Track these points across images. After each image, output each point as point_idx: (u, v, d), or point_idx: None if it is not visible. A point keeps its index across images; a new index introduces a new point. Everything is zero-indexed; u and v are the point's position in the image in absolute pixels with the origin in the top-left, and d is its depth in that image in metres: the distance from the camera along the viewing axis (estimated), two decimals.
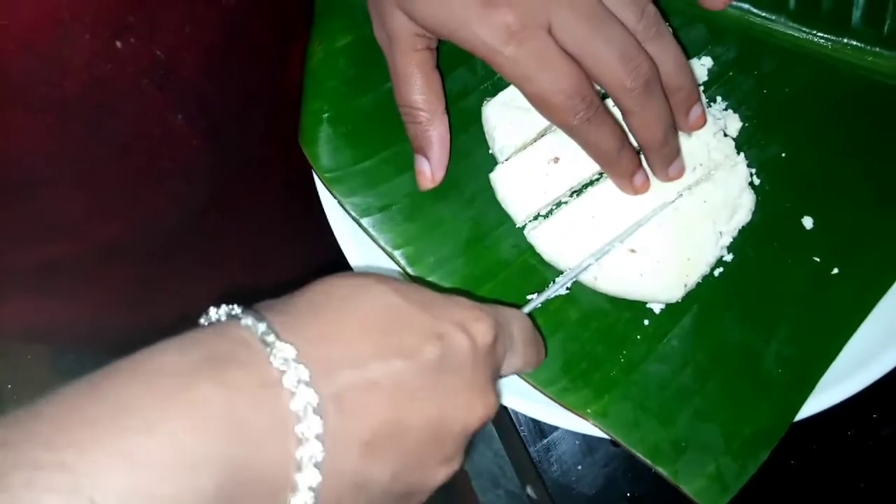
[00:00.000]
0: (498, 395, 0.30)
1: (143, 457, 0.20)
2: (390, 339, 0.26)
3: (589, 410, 0.37)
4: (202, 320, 0.26)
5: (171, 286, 0.53)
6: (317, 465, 0.23)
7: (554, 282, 0.38)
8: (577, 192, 0.39)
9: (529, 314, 0.36)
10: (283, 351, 0.24)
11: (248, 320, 0.25)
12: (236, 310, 0.26)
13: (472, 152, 0.40)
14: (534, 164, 0.39)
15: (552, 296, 0.38)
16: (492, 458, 0.69)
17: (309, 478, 0.23)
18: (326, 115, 0.40)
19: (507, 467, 0.66)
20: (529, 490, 0.55)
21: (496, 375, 0.31)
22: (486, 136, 0.40)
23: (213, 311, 0.26)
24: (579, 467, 0.47)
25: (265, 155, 0.52)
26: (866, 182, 0.40)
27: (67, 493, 0.19)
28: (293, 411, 0.23)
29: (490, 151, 0.40)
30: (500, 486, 0.69)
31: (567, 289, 0.39)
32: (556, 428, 0.46)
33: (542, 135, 0.40)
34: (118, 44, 0.34)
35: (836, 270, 0.39)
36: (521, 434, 0.48)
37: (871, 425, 0.46)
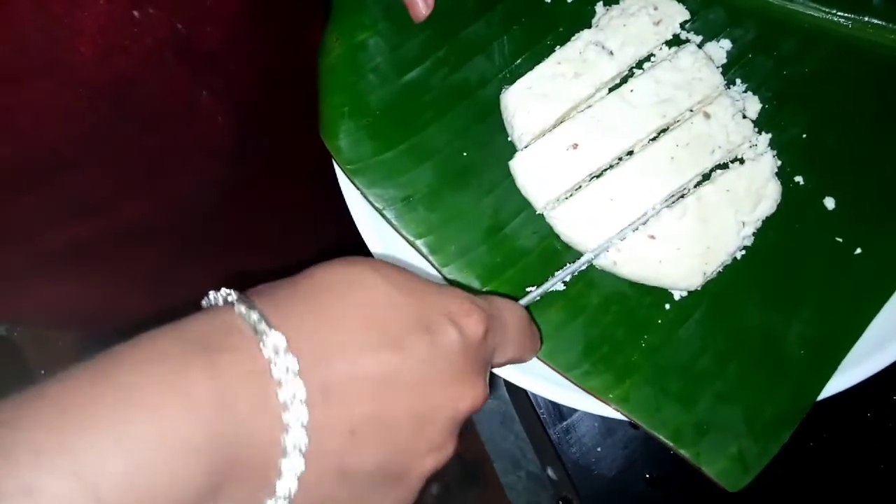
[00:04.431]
0: (486, 385, 0.30)
1: (141, 442, 0.21)
2: (380, 330, 0.27)
3: (611, 395, 0.37)
4: (203, 302, 0.27)
5: (195, 270, 0.54)
6: (301, 453, 0.24)
7: (553, 275, 0.39)
8: (597, 176, 0.40)
9: (527, 306, 0.36)
10: (274, 339, 0.24)
11: (241, 307, 0.25)
12: (232, 296, 0.26)
13: (491, 140, 0.41)
14: (553, 151, 0.39)
15: (550, 289, 0.38)
16: (512, 441, 0.70)
17: (294, 464, 0.24)
18: (346, 108, 0.40)
19: (528, 449, 0.67)
20: (550, 471, 0.55)
21: (487, 367, 0.31)
22: (506, 124, 0.41)
23: (212, 294, 0.27)
24: (599, 449, 0.48)
25: (291, 141, 0.53)
26: (888, 161, 0.40)
27: (68, 478, 0.20)
28: (281, 401, 0.24)
29: (509, 139, 0.41)
30: (520, 467, 0.70)
31: (563, 283, 0.39)
32: (576, 410, 0.47)
33: (560, 121, 0.40)
34: (136, 13, 0.35)
35: (858, 251, 0.39)
36: (541, 416, 0.48)
37: (891, 407, 0.46)
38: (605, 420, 0.47)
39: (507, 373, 0.38)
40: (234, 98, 0.43)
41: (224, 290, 0.27)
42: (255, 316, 0.25)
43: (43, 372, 1.12)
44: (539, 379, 0.38)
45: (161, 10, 0.36)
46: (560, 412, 0.48)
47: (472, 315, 0.29)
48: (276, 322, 0.25)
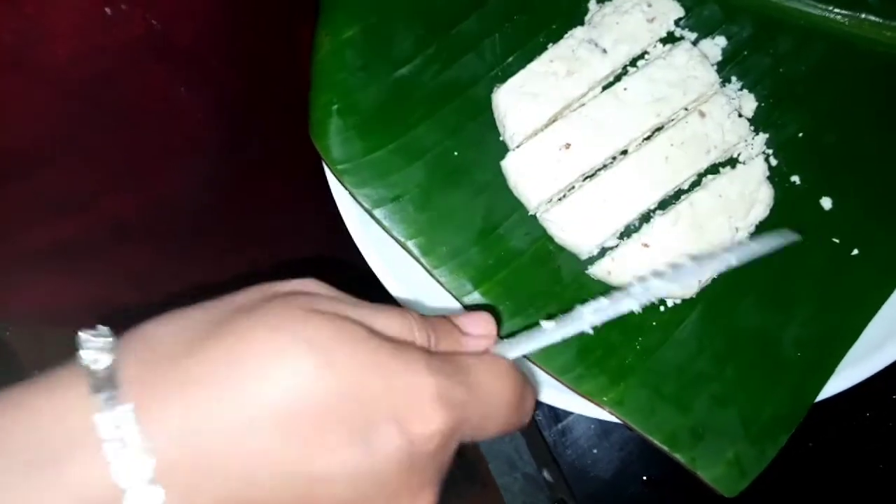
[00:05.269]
0: (436, 493, 0.25)
1: None
2: (295, 434, 0.21)
3: (605, 398, 0.36)
4: (81, 336, 0.23)
5: (187, 267, 0.53)
6: None
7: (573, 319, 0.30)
8: (590, 176, 0.39)
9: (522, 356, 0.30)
10: (135, 461, 0.20)
11: (105, 414, 0.21)
12: (102, 366, 0.21)
13: (483, 140, 0.40)
14: (545, 151, 0.38)
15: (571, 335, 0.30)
16: (508, 442, 0.70)
17: None
18: (336, 107, 0.39)
19: (524, 451, 0.67)
20: (546, 473, 0.55)
21: (440, 474, 0.25)
22: (497, 123, 0.40)
23: (89, 336, 0.22)
24: (595, 451, 0.47)
25: (284, 139, 0.52)
26: (886, 160, 0.40)
27: None
28: None
29: (501, 138, 0.40)
30: (516, 469, 0.69)
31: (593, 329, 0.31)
32: (571, 412, 0.46)
33: (553, 120, 0.39)
34: (108, 10, 0.34)
35: (855, 251, 0.39)
36: (537, 418, 0.48)
37: (890, 407, 0.46)
38: (601, 422, 0.46)
39: None
40: (215, 95, 0.42)
41: (103, 339, 0.22)
42: (121, 417, 0.20)
43: (37, 372, 1.11)
44: (533, 381, 0.38)
45: (134, 7, 0.35)
46: (556, 414, 0.48)
47: (431, 420, 0.23)
48: (146, 420, 0.20)
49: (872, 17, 0.41)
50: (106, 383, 0.21)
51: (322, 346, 0.22)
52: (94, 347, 0.22)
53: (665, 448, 0.36)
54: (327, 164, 0.39)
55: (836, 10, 0.41)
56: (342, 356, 0.22)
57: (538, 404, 0.47)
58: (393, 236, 0.39)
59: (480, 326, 0.29)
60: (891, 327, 0.38)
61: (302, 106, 0.40)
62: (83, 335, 0.23)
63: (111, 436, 0.20)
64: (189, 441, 0.21)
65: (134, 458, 0.20)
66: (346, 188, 0.39)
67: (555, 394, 0.38)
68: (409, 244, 0.39)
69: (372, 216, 0.39)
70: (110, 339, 0.22)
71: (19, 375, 0.24)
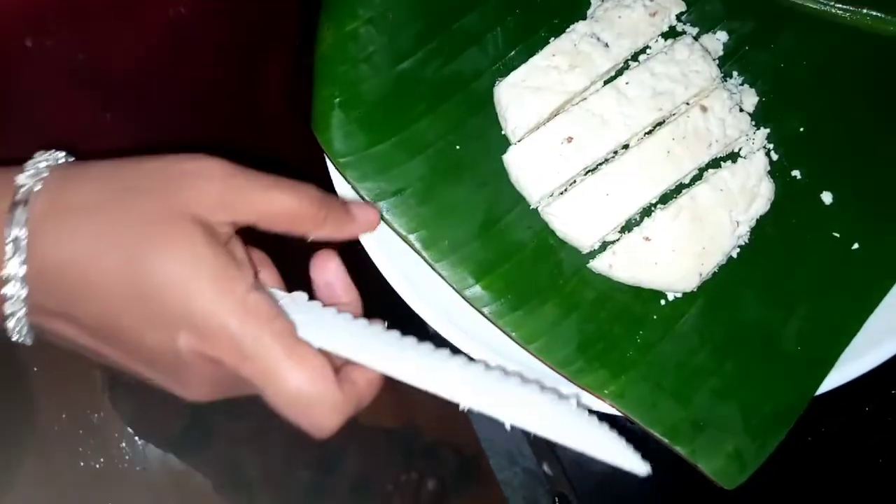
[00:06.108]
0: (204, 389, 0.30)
1: None
2: (129, 300, 0.28)
3: (606, 391, 0.37)
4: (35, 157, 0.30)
5: None
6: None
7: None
8: (591, 170, 0.39)
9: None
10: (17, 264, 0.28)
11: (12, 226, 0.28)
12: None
13: (485, 134, 0.40)
14: (547, 145, 0.38)
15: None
16: (508, 436, 0.70)
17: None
18: (338, 100, 0.39)
19: (524, 445, 0.67)
20: (545, 467, 0.55)
21: (212, 384, 0.30)
22: (499, 118, 0.40)
23: (36, 163, 0.29)
24: None
25: (277, 136, 0.52)
26: (887, 155, 0.40)
27: None
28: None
29: (503, 132, 0.40)
30: (516, 463, 0.70)
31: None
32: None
33: (554, 114, 0.39)
34: (28, 43, 0.35)
35: (856, 246, 0.39)
36: None
37: (890, 401, 0.46)
38: (600, 416, 0.47)
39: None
40: (148, 121, 0.43)
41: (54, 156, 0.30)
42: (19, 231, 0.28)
43: (36, 369, 1.12)
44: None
45: (59, 41, 0.35)
46: None
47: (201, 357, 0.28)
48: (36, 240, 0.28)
49: (874, 12, 0.41)
50: (22, 204, 0.28)
51: (205, 240, 0.28)
52: (32, 174, 0.29)
53: (666, 440, 0.36)
54: (329, 158, 0.39)
55: (838, 5, 0.41)
56: (198, 292, 0.27)
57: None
58: (395, 229, 0.39)
59: (369, 213, 0.36)
60: (890, 322, 0.38)
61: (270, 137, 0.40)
62: (37, 157, 0.30)
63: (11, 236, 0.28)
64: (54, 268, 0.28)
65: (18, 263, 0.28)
66: (349, 182, 0.39)
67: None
68: (411, 238, 0.39)
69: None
70: (46, 174, 0.29)
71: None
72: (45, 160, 0.30)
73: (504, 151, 0.39)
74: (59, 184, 0.29)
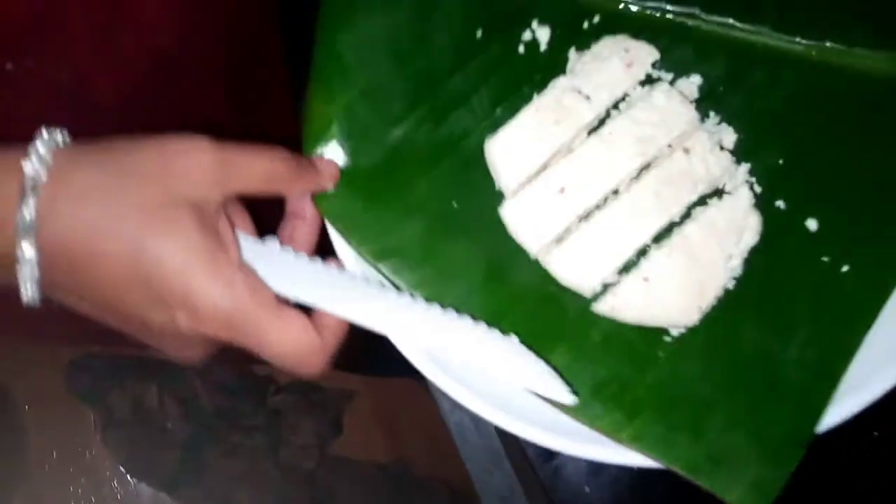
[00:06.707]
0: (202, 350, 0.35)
1: None
2: (129, 297, 0.31)
3: (624, 435, 0.37)
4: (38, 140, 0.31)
5: None
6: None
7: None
8: (585, 218, 0.40)
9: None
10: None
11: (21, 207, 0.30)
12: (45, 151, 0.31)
13: (479, 189, 0.41)
14: (540, 197, 0.40)
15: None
16: (501, 479, 0.69)
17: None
18: None
19: (517, 488, 0.66)
20: None
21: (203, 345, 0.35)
22: (492, 173, 0.41)
23: (39, 146, 0.31)
24: (587, 488, 0.48)
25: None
26: (864, 176, 0.41)
27: None
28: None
29: (497, 187, 0.41)
30: (508, 501, 0.69)
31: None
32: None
33: (544, 167, 0.41)
34: (9, 66, 0.36)
35: (845, 268, 0.40)
36: (528, 454, 0.48)
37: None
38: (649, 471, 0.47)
39: (495, 417, 0.38)
40: None
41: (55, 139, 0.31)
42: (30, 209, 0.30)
43: (27, 407, 1.10)
44: (525, 422, 0.38)
45: (42, 63, 0.37)
46: (548, 451, 0.48)
47: (193, 334, 0.32)
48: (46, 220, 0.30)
49: (836, 45, 0.43)
50: (32, 187, 0.30)
51: (198, 230, 0.31)
52: (38, 161, 0.30)
53: (690, 477, 0.37)
54: (329, 223, 0.40)
55: (802, 41, 0.43)
56: (206, 246, 0.31)
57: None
58: (398, 288, 0.40)
59: (331, 166, 0.40)
60: (891, 349, 0.39)
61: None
62: (37, 137, 0.31)
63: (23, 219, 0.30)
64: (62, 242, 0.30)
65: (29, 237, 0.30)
66: (350, 245, 0.40)
67: (548, 435, 0.38)
68: (417, 294, 0.40)
69: (377, 269, 0.40)
70: (49, 161, 0.31)
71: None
72: (46, 143, 0.31)
73: (500, 204, 0.40)
74: (60, 169, 0.31)
